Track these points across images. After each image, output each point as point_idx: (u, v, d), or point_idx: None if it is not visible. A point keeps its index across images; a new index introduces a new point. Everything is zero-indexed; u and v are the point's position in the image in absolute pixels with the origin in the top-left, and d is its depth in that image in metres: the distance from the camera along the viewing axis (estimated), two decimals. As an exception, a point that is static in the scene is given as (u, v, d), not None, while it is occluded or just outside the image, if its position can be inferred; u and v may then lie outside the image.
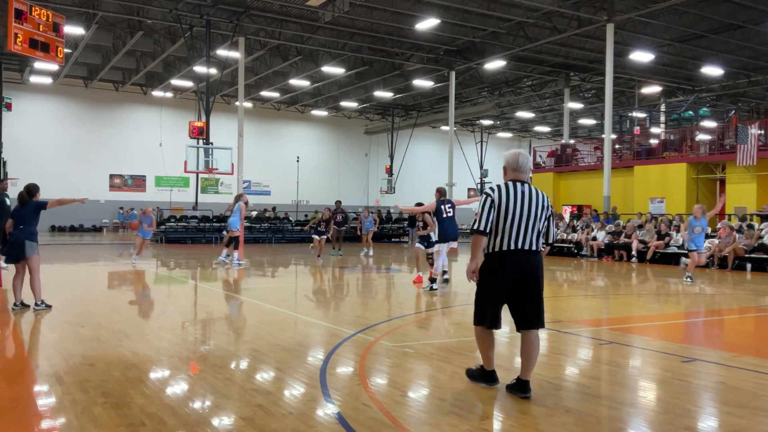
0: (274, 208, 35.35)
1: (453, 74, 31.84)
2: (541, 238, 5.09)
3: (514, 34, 26.65)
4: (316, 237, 19.92)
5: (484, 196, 5.07)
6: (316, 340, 7.62)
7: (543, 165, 33.93)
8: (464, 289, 12.00)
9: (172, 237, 28.91)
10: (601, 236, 22.51)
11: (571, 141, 35.37)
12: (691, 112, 34.17)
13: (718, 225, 20.50)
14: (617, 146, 31.17)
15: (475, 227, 5.01)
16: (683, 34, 26.16)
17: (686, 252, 16.39)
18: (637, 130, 32.87)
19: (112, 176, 39.48)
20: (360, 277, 15.52)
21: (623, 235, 21.69)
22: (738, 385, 5.65)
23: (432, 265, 12.95)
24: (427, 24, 24.42)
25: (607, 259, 21.68)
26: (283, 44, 28.78)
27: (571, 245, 23.51)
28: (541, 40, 26.34)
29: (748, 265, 18.02)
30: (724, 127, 27.55)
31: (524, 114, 42.78)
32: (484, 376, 5.33)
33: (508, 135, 50.75)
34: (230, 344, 7.34)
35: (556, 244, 24.23)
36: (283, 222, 33.42)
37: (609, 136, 25.70)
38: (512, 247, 4.94)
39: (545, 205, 5.09)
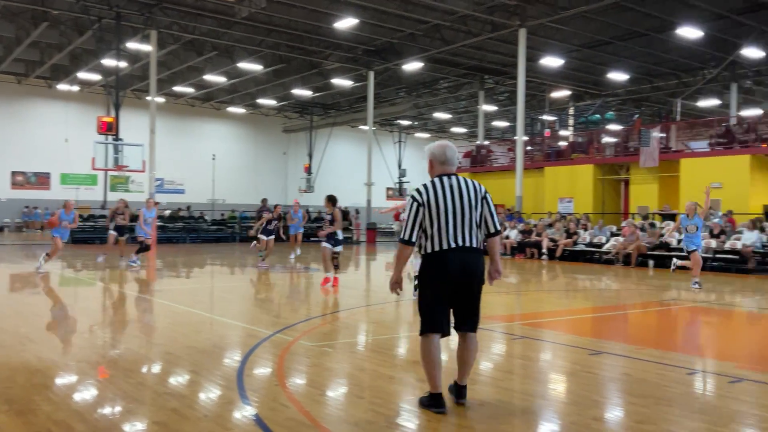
0: (188, 207, 34.46)
1: (371, 74, 32.00)
2: (480, 231, 4.77)
3: (431, 36, 27.05)
4: (263, 237, 17.30)
5: (410, 200, 4.69)
6: (233, 342, 7.49)
7: (459, 165, 34.53)
8: (383, 289, 12.08)
9: (79, 237, 27.67)
10: (514, 234, 23.20)
11: (486, 142, 36.25)
12: (597, 116, 35.70)
13: (623, 223, 21.54)
14: (529, 148, 32.18)
15: (401, 236, 4.69)
16: (591, 41, 27.29)
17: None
18: (547, 132, 34.06)
19: (14, 173, 37.41)
20: (278, 277, 15.35)
21: (534, 233, 22.44)
22: (642, 376, 5.95)
23: (337, 266, 12.27)
24: (346, 23, 24.43)
25: (519, 256, 22.36)
26: (197, 39, 28.10)
27: (484, 243, 24.06)
28: (456, 43, 26.85)
29: (651, 262, 19.02)
30: (628, 131, 28.94)
31: (441, 115, 43.48)
32: (432, 400, 4.71)
33: (426, 135, 51.46)
34: (142, 347, 7.11)
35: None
36: (199, 221, 32.66)
37: (521, 138, 26.52)
38: (452, 245, 4.61)
39: (478, 193, 4.73)
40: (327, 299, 11.29)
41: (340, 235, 12.26)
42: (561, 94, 35.84)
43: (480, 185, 4.82)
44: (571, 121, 37.38)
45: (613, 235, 21.13)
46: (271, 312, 9.84)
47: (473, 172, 32.85)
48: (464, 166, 33.98)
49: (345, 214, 34.68)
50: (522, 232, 23.03)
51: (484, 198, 4.76)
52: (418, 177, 48.47)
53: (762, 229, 18.01)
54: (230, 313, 9.75)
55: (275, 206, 18.65)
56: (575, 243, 21.36)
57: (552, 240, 21.68)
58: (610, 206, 26.80)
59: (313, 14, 24.77)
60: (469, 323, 4.79)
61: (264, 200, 22.06)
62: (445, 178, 4.72)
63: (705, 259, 18.22)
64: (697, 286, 12.89)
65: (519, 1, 22.84)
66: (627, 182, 26.95)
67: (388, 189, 43.60)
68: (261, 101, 39.74)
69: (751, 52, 26.06)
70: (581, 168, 27.13)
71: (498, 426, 4.44)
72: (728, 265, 17.66)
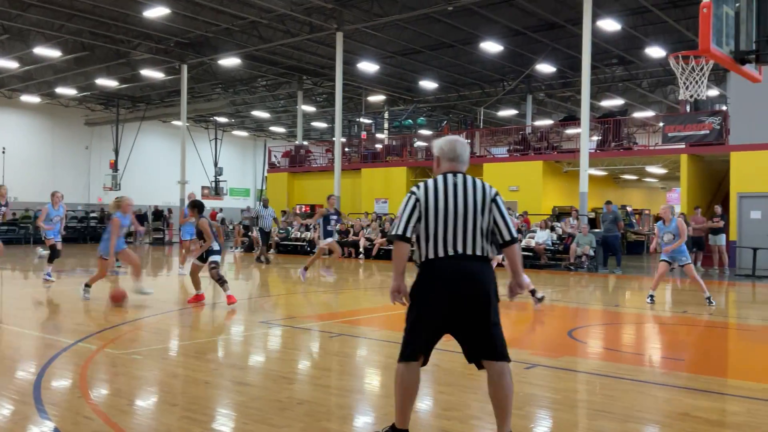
0: (-28, 206, 30.81)
1: (185, 68, 30.76)
2: (488, 240, 3.99)
3: (248, 33, 26.62)
4: (330, 240, 14.13)
5: (408, 195, 4.05)
6: (28, 353, 6.83)
7: (278, 165, 34.48)
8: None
9: None
10: (332, 234, 23.54)
11: (305, 143, 36.43)
12: (410, 121, 37.35)
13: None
14: (347, 149, 32.89)
15: (393, 231, 3.96)
16: (404, 49, 28.46)
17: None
18: (364, 135, 35.02)
19: None
20: (81, 282, 14.23)
21: (351, 233, 22.95)
22: (449, 366, 6.33)
23: (221, 281, 9.95)
24: (156, 12, 23.23)
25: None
26: (-15, 19, 25.22)
27: (305, 244, 24.20)
28: (274, 42, 26.67)
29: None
30: (437, 136, 30.58)
31: (260, 113, 42.92)
32: None
33: (244, 134, 50.50)
34: None
35: (289, 243, 24.78)
36: (-15, 221, 29.39)
37: (339, 139, 27.01)
38: (450, 252, 3.88)
39: (487, 196, 3.99)
40: (136, 303, 10.67)
41: (216, 246, 10.15)
42: (377, 98, 36.99)
43: (490, 187, 4.09)
44: (386, 125, 38.73)
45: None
46: (72, 319, 9.10)
47: (292, 171, 32.88)
48: (283, 165, 33.92)
49: (159, 213, 33.09)
50: (340, 232, 23.44)
51: (494, 201, 4.00)
52: (235, 175, 47.47)
53: (552, 229, 19.92)
54: (24, 322, 8.87)
55: (329, 197, 14.74)
56: (389, 242, 22.15)
57: (368, 239, 22.31)
58: (421, 207, 28.13)
59: (120, 1, 23.28)
60: (489, 349, 3.93)
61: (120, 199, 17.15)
62: (449, 176, 4.05)
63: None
64: (710, 303, 10.90)
65: (335, 4, 23.22)
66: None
67: (204, 188, 42.07)
68: (60, 90, 36.56)
69: (544, 68, 28.74)
70: (396, 170, 28.22)
71: (315, 423, 4.49)
72: (523, 261, 19.31)
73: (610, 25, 22.59)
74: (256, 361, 6.72)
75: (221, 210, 41.08)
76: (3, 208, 12.63)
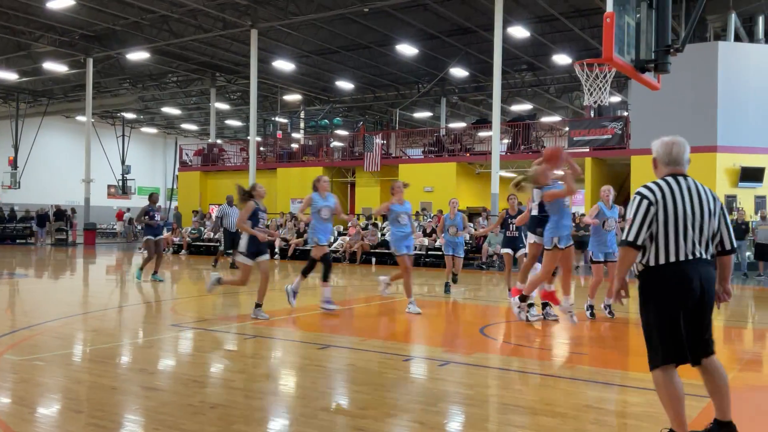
0: None
1: (90, 61, 29.51)
2: (712, 243, 4.05)
3: (158, 27, 25.83)
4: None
5: (638, 198, 3.98)
6: None
7: (190, 163, 33.62)
8: (102, 294, 11.22)
9: None
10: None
11: (218, 141, 35.69)
12: (326, 121, 37.28)
13: (349, 224, 22.78)
14: (262, 149, 32.46)
15: (625, 237, 3.96)
16: (320, 48, 28.39)
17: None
18: (279, 134, 34.68)
19: None
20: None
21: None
22: (365, 365, 6.38)
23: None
24: (60, 3, 22.19)
25: (252, 256, 22.39)
26: None
27: (218, 244, 23.67)
28: (186, 37, 26.01)
29: (373, 259, 20.42)
30: (354, 136, 30.70)
31: (170, 110, 41.74)
32: None
33: (154, 131, 48.95)
34: None
35: (201, 244, 24.20)
36: None
37: (254, 138, 26.64)
38: (689, 256, 3.90)
39: (717, 202, 4.06)
40: (37, 308, 10.16)
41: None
42: (293, 97, 36.70)
43: (714, 193, 4.11)
44: (302, 125, 38.50)
45: (340, 234, 22.23)
46: (-35, 325, 8.56)
47: (205, 170, 32.17)
48: (195, 164, 33.11)
49: (61, 213, 31.51)
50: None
51: (722, 208, 4.10)
52: (144, 174, 45.90)
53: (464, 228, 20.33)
54: None
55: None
56: (306, 242, 22.02)
57: (284, 240, 22.10)
58: (337, 207, 28.16)
59: (20, -11, 22.10)
60: (708, 348, 4.01)
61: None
62: (680, 179, 4.02)
63: (418, 257, 20.18)
64: None
65: (249, 1, 22.89)
66: (353, 185, 28.57)
67: (110, 186, 40.47)
68: (-47, 83, 34.32)
69: (458, 71, 29.35)
70: (312, 170, 28.09)
71: (229, 427, 4.42)
72: (438, 261, 19.64)
73: (519, 31, 23.34)
74: (166, 365, 6.53)
75: (129, 210, 39.62)
76: (263, 214, 9.33)
